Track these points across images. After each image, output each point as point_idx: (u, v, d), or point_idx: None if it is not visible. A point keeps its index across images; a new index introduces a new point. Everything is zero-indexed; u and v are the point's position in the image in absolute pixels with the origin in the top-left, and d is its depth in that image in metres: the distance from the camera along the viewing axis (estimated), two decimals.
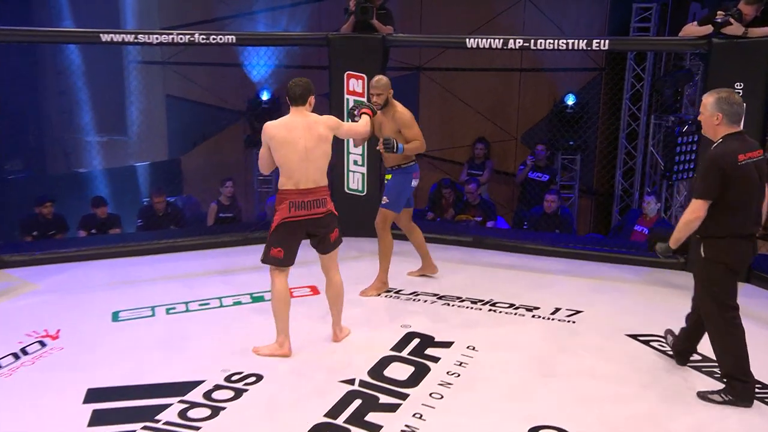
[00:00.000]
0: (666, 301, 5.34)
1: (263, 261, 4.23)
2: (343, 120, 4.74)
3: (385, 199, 5.21)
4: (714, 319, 3.77)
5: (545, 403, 3.81)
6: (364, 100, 4.93)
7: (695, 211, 3.60)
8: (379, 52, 6.42)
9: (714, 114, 3.62)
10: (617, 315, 5.01)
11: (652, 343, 4.55)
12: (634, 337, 4.64)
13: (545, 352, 4.43)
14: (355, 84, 6.48)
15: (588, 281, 5.76)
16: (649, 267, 6.03)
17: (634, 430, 3.60)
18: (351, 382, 3.94)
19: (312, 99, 4.18)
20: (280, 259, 4.17)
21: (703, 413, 3.76)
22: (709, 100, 3.65)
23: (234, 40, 6.25)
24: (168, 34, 6.12)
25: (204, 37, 6.08)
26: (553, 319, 4.94)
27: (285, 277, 4.23)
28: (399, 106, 5.09)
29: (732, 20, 5.37)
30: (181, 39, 6.11)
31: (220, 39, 6.12)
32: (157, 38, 6.07)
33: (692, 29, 5.74)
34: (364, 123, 4.55)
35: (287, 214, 4.11)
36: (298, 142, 4.06)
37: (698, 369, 4.21)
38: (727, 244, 3.66)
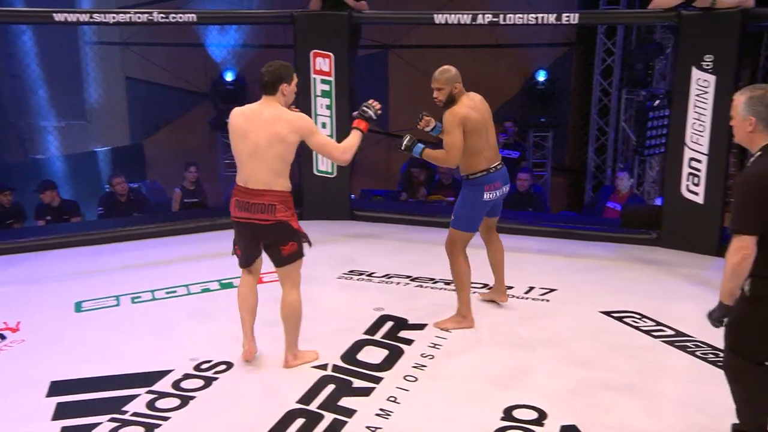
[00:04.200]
0: (639, 277, 5.34)
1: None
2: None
3: (452, 216, 4.38)
4: (738, 371, 3.02)
5: (520, 383, 3.78)
6: (370, 105, 3.90)
7: (739, 250, 2.80)
8: (346, 29, 6.29)
9: (746, 118, 2.85)
10: (591, 292, 4.99)
11: (625, 320, 4.54)
12: (608, 314, 4.63)
13: (519, 331, 4.39)
14: (321, 63, 6.36)
15: (561, 259, 5.74)
16: (621, 243, 6.02)
17: (609, 407, 3.57)
18: (324, 367, 3.89)
19: (285, 87, 3.64)
20: (239, 258, 3.88)
21: (682, 387, 3.76)
22: (739, 100, 2.88)
23: (194, 19, 6.09)
24: (125, 13, 5.92)
25: (163, 15, 5.89)
26: (527, 299, 4.90)
27: (249, 277, 3.91)
28: (457, 106, 4.17)
29: None
30: (138, 18, 5.91)
31: (180, 18, 5.95)
32: (113, 17, 5.87)
33: (661, 1, 5.68)
34: (345, 146, 3.77)
35: (232, 212, 3.77)
36: (249, 136, 3.62)
37: (671, 344, 4.21)
38: None
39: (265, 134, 3.60)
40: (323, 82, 6.39)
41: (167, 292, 5.02)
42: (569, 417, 3.43)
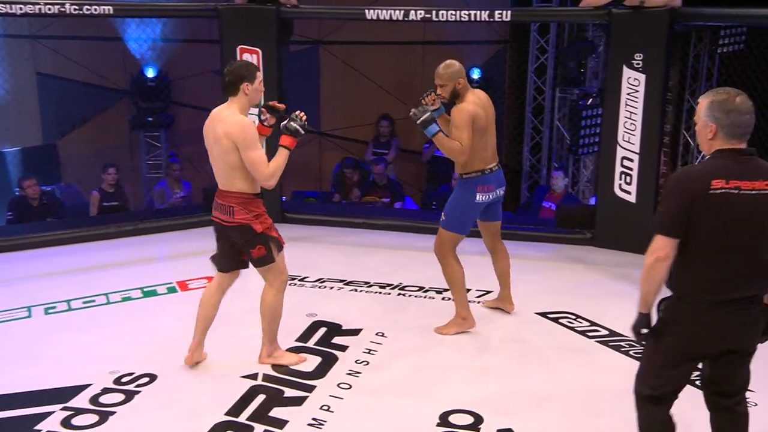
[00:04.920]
0: (574, 277, 5.37)
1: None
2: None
3: (442, 216, 4.31)
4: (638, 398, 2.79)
5: (456, 388, 3.75)
6: (296, 116, 3.69)
7: (654, 251, 2.57)
8: (274, 24, 6.10)
9: (707, 125, 2.59)
10: (527, 293, 4.95)
11: (561, 321, 4.55)
12: (544, 315, 4.63)
13: (455, 335, 4.33)
14: (249, 59, 6.12)
15: None
16: (557, 243, 6.04)
17: (545, 409, 3.56)
18: (254, 376, 3.80)
19: (247, 86, 3.56)
20: (215, 260, 3.87)
21: (617, 388, 3.72)
22: (702, 104, 2.62)
23: (111, 11, 5.79)
24: (34, 3, 5.55)
25: (76, 7, 5.57)
26: None
27: (214, 284, 3.87)
28: (466, 102, 4.10)
29: None
30: (49, 9, 5.57)
31: (95, 10, 5.64)
32: (20, 8, 5.51)
33: (592, 0, 5.72)
34: (272, 170, 3.58)
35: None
36: (206, 137, 3.71)
37: (605, 344, 4.24)
38: (685, 311, 2.62)
39: (212, 135, 3.65)
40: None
41: (84, 302, 4.82)
42: (505, 421, 3.42)
